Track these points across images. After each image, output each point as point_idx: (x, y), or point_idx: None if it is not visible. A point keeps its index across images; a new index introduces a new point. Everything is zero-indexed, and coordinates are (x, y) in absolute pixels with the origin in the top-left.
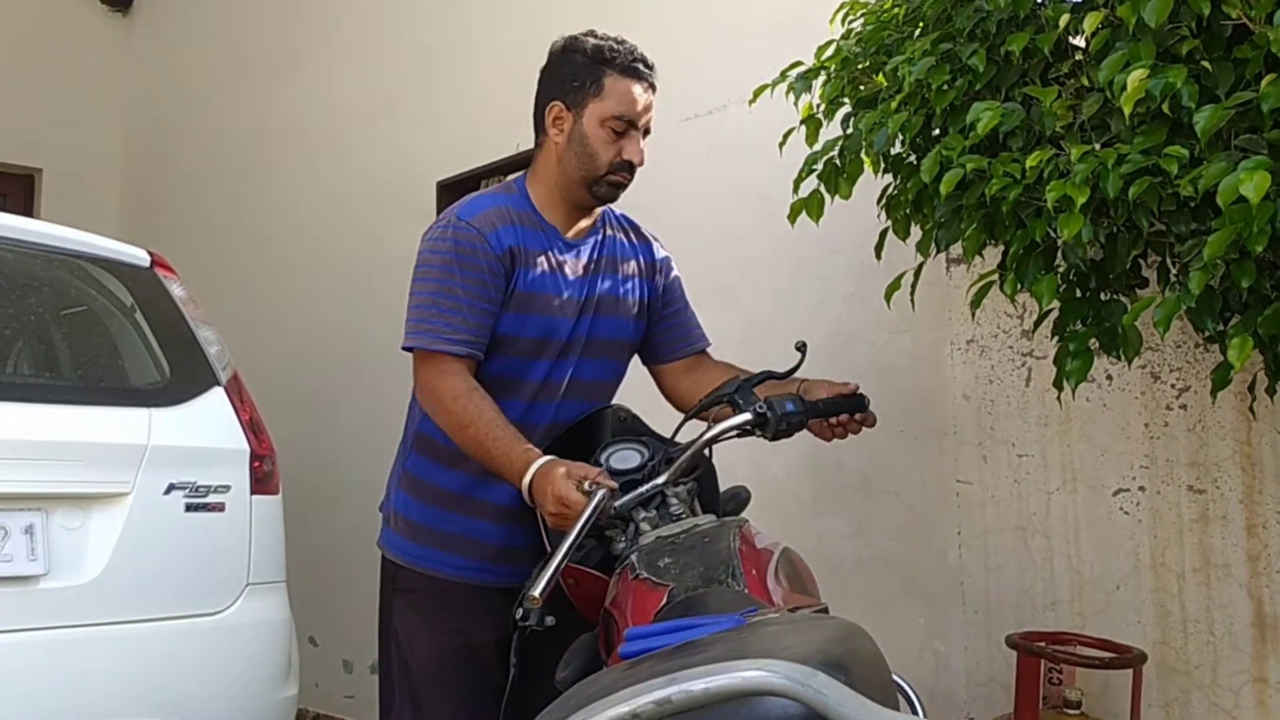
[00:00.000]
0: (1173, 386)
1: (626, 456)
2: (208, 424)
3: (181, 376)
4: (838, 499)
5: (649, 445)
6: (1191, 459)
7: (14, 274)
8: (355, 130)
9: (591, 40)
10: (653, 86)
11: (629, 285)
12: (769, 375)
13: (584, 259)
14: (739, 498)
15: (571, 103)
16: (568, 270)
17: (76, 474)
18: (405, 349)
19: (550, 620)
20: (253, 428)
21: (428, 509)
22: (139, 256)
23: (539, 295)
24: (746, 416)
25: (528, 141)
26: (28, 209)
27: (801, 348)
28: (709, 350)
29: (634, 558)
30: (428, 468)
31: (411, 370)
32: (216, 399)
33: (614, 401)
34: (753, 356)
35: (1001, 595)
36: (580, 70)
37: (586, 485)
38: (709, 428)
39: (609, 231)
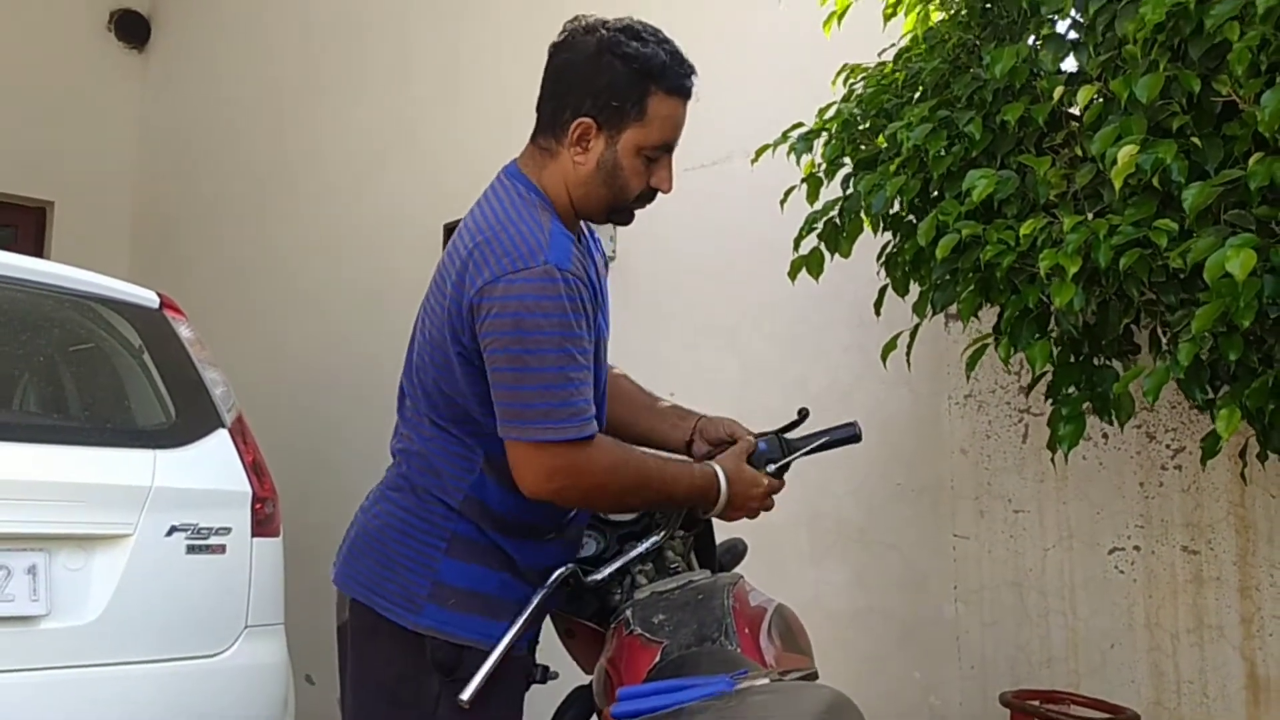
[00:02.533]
0: (1168, 447)
1: (584, 543)
2: (211, 466)
3: (187, 418)
4: (835, 550)
5: (608, 532)
6: (1186, 519)
7: (24, 314)
8: (365, 169)
9: (633, 43)
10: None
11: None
12: (761, 435)
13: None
14: (735, 550)
15: (606, 122)
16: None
17: (80, 515)
18: (539, 441)
19: (555, 672)
20: (255, 469)
21: (500, 577)
22: (148, 298)
23: (602, 340)
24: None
25: None
26: (39, 241)
27: (803, 414)
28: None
29: (629, 613)
30: (492, 535)
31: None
32: (220, 441)
33: None
34: (750, 400)
35: (997, 651)
36: (620, 85)
37: (770, 469)
38: None
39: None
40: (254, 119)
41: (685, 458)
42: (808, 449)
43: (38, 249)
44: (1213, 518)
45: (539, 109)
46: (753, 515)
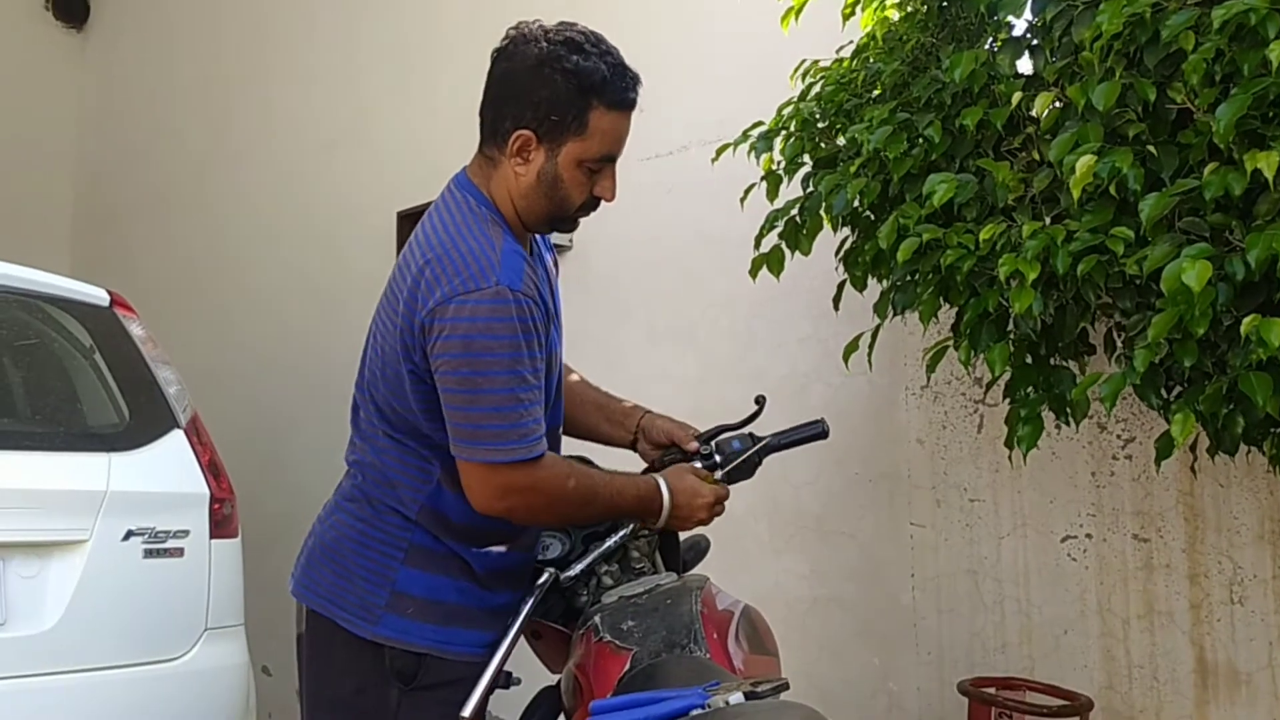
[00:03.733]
0: (1119, 437)
1: (548, 545)
2: (167, 468)
3: (141, 419)
4: (794, 539)
5: (572, 532)
6: (1136, 508)
7: None
8: (317, 154)
9: (574, 56)
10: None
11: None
12: (722, 429)
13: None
14: (699, 547)
15: (545, 135)
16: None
17: (35, 522)
18: (491, 462)
19: (518, 679)
20: (212, 469)
21: (459, 585)
22: (98, 296)
23: (555, 354)
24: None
25: None
26: None
27: (760, 401)
28: None
29: (597, 619)
30: (449, 544)
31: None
32: (176, 441)
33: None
34: (709, 396)
35: (953, 637)
36: (560, 99)
37: (717, 475)
38: None
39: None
40: (199, 104)
41: (632, 472)
42: (778, 445)
43: None
44: (1162, 506)
45: (481, 115)
46: (703, 523)
